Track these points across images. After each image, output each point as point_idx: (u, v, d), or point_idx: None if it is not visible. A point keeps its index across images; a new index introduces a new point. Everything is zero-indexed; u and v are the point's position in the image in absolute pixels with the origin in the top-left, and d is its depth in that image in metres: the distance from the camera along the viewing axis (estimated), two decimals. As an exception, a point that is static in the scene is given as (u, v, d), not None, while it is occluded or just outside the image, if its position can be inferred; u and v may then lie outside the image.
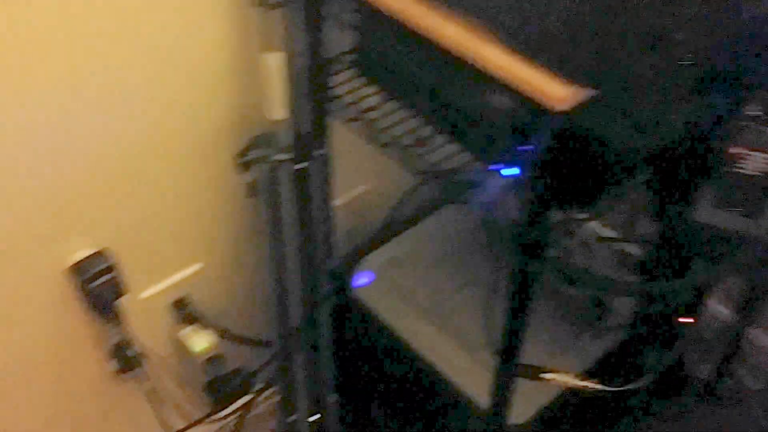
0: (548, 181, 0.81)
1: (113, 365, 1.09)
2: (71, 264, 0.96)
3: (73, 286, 0.98)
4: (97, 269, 0.96)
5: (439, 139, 0.91)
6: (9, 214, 0.89)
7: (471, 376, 1.12)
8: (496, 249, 1.20)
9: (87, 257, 0.96)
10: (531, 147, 0.81)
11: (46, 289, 0.97)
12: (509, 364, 0.97)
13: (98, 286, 0.96)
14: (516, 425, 1.08)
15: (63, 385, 1.08)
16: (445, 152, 0.90)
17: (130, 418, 1.18)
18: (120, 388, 1.13)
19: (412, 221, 1.27)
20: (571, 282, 0.92)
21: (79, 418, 1.13)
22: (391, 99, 0.94)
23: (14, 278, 0.94)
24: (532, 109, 0.76)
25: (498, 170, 0.86)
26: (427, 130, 0.91)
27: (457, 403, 1.12)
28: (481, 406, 1.09)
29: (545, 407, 1.10)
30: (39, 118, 0.86)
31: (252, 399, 1.22)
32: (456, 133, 0.89)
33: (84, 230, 0.97)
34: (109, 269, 0.97)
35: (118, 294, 0.99)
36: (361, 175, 1.25)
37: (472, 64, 0.78)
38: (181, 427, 1.14)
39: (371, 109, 0.94)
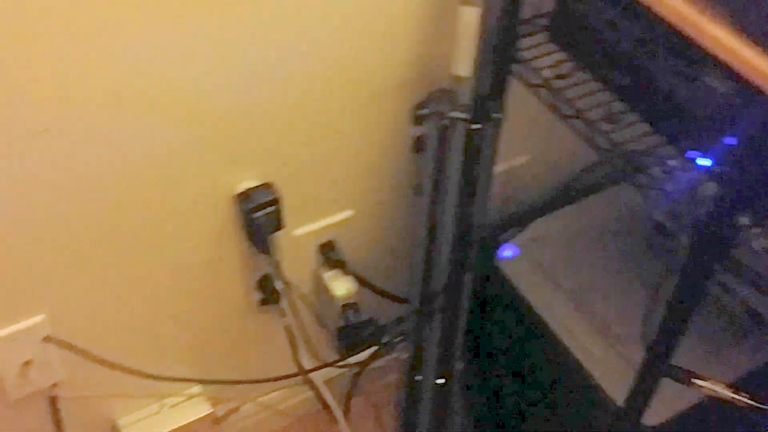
0: (748, 178, 0.76)
1: (257, 296, 1.11)
2: (238, 192, 0.98)
3: (236, 214, 1.01)
4: (262, 201, 0.97)
5: (629, 117, 0.86)
6: (188, 137, 0.92)
7: (608, 368, 1.08)
8: (665, 241, 1.15)
9: (254, 188, 0.98)
10: (736, 138, 0.76)
11: (211, 213, 1.00)
12: (660, 363, 0.93)
13: (259, 218, 0.98)
14: (649, 426, 1.03)
15: (208, 307, 1.11)
16: (634, 132, 0.86)
17: (263, 350, 1.21)
18: (259, 319, 1.16)
19: (574, 198, 1.24)
20: (757, 289, 0.86)
21: (216, 341, 1.17)
22: (582, 69, 0.90)
23: (184, 200, 0.97)
24: (751, 96, 0.70)
25: (692, 159, 0.81)
26: (616, 107, 0.87)
27: (589, 393, 1.08)
28: (616, 401, 1.05)
29: (682, 412, 1.06)
30: (231, 50, 0.87)
31: (378, 351, 1.22)
32: (650, 113, 0.84)
33: (254, 162, 0.98)
34: (273, 202, 0.98)
35: (276, 228, 1.01)
36: (525, 144, 1.22)
37: (687, 40, 0.73)
38: (309, 367, 1.16)
39: (559, 77, 0.90)
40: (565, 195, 1.25)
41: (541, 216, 1.24)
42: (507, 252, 1.21)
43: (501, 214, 1.28)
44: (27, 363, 0.99)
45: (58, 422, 1.09)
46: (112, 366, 1.03)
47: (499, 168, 1.17)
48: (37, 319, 0.97)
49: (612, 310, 1.14)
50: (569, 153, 1.23)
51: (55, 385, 1.03)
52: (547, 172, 1.27)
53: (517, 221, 1.22)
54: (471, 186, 1.02)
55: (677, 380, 0.93)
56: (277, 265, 1.04)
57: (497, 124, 0.97)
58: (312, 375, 1.18)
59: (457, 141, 0.98)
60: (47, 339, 0.98)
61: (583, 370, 1.09)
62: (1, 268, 0.91)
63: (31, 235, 0.90)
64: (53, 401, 1.06)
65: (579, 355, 1.10)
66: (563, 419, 1.18)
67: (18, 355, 0.97)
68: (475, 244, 1.07)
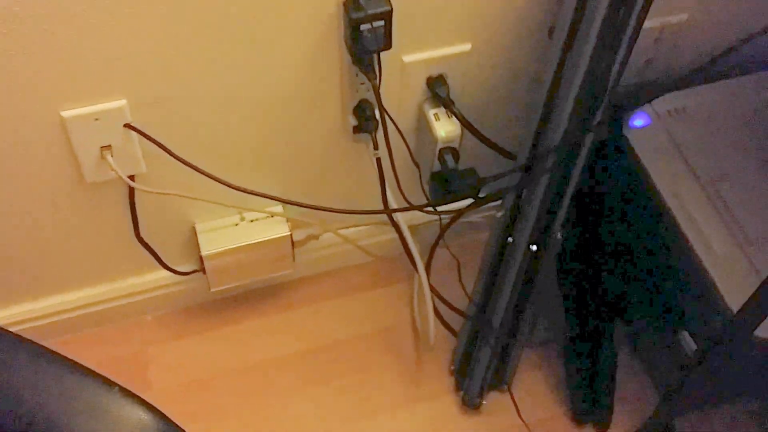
0: None
1: (352, 121, 1.02)
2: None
3: (341, 23, 0.90)
4: (371, 12, 0.85)
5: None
6: None
7: (729, 269, 0.96)
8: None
9: (364, -5, 0.86)
10: None
11: (315, 18, 0.89)
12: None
13: (366, 31, 0.87)
14: (763, 339, 0.92)
15: (299, 125, 1.04)
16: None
17: (352, 182, 1.14)
18: (351, 147, 1.08)
19: (730, 73, 1.06)
20: None
21: (304, 163, 1.10)
22: None
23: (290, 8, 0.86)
24: None
25: None
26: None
27: (701, 291, 0.97)
28: (729, 306, 0.93)
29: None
30: None
31: (472, 205, 1.13)
32: None
33: (369, -36, 0.86)
34: (383, 15, 0.86)
35: (383, 47, 0.90)
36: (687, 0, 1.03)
37: None
38: (395, 206, 1.08)
39: None
40: (720, 67, 1.07)
41: (685, 87, 1.07)
42: (638, 121, 1.06)
43: (640, 77, 1.11)
44: (106, 147, 0.95)
45: (134, 215, 1.06)
46: (193, 167, 0.97)
47: (648, 24, 1.00)
48: (119, 103, 0.91)
49: (748, 207, 0.99)
50: (737, 17, 1.04)
51: (133, 177, 1.00)
52: (704, 37, 1.08)
53: (658, 88, 1.06)
54: (615, 36, 0.87)
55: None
56: (376, 89, 0.94)
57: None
58: (396, 216, 1.10)
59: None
60: (128, 126, 0.93)
61: (699, 265, 0.96)
62: (84, 39, 0.84)
63: (124, 8, 0.83)
64: (131, 193, 1.03)
65: (698, 248, 0.97)
66: (665, 313, 1.07)
67: (97, 136, 0.93)
68: (605, 105, 0.93)
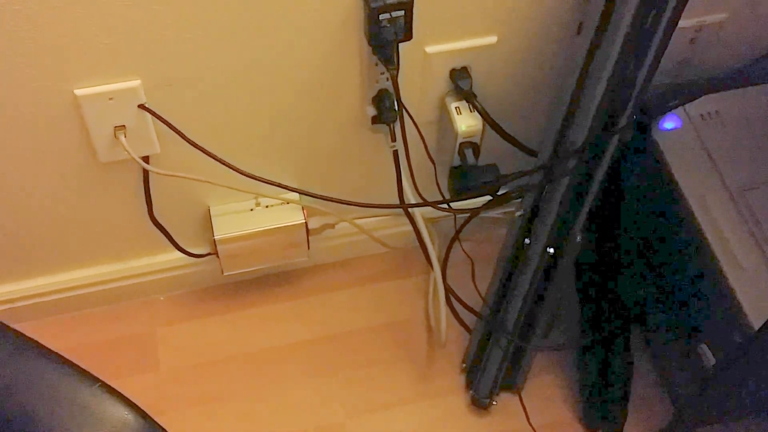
0: None
1: (371, 111, 1.00)
2: (366, -14, 0.84)
3: (361, 11, 0.87)
4: (391, 1, 0.83)
5: None
6: None
7: (754, 285, 0.92)
8: None
9: (384, -16, 0.83)
10: None
11: (335, 8, 0.87)
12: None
13: (385, 20, 0.84)
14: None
15: (316, 113, 1.01)
16: None
17: (369, 173, 1.12)
18: (370, 138, 1.05)
19: (764, 76, 1.01)
20: None
21: (321, 152, 1.08)
22: None
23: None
24: None
25: None
26: None
27: (723, 305, 0.93)
28: (751, 322, 0.90)
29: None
30: None
31: (490, 203, 1.10)
32: None
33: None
34: (403, 5, 0.83)
35: (403, 37, 0.87)
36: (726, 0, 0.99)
37: None
38: (413, 200, 1.05)
39: None
40: (760, 70, 1.02)
41: (721, 90, 1.03)
42: (669, 123, 1.02)
43: (674, 78, 1.07)
44: (120, 127, 0.93)
45: (148, 196, 1.05)
46: (205, 152, 0.96)
47: (685, 22, 0.96)
48: (133, 84, 0.90)
49: (778, 220, 0.95)
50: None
51: (147, 158, 0.99)
52: (743, 38, 1.04)
53: (692, 90, 1.01)
54: (646, 35, 0.83)
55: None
56: (395, 81, 0.91)
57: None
58: (413, 211, 1.08)
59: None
60: (142, 107, 0.92)
61: (723, 277, 0.92)
62: (97, 17, 0.83)
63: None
64: (145, 174, 1.02)
65: (723, 260, 0.93)
66: (684, 323, 1.04)
67: (111, 116, 0.92)
68: (631, 107, 0.89)
